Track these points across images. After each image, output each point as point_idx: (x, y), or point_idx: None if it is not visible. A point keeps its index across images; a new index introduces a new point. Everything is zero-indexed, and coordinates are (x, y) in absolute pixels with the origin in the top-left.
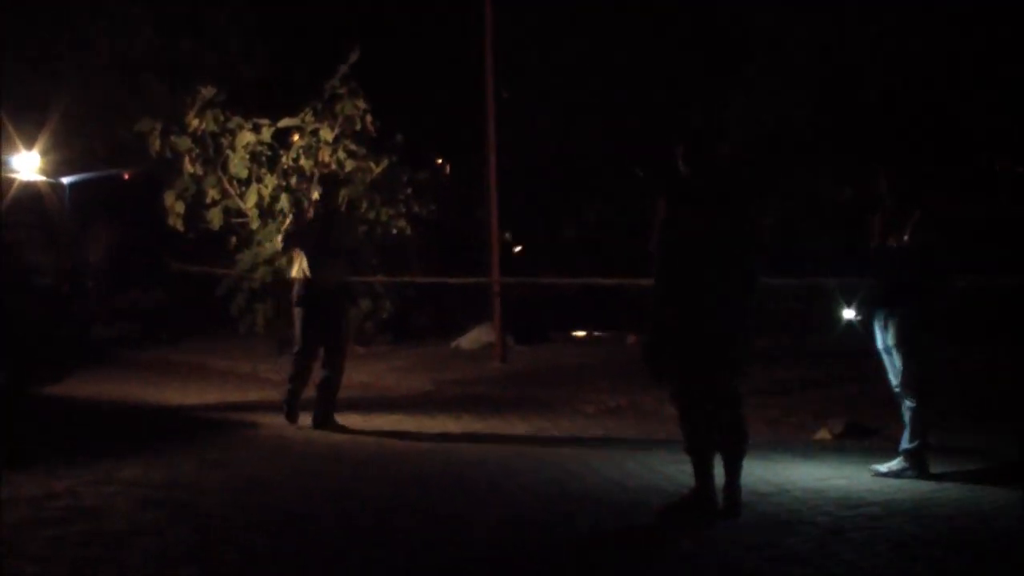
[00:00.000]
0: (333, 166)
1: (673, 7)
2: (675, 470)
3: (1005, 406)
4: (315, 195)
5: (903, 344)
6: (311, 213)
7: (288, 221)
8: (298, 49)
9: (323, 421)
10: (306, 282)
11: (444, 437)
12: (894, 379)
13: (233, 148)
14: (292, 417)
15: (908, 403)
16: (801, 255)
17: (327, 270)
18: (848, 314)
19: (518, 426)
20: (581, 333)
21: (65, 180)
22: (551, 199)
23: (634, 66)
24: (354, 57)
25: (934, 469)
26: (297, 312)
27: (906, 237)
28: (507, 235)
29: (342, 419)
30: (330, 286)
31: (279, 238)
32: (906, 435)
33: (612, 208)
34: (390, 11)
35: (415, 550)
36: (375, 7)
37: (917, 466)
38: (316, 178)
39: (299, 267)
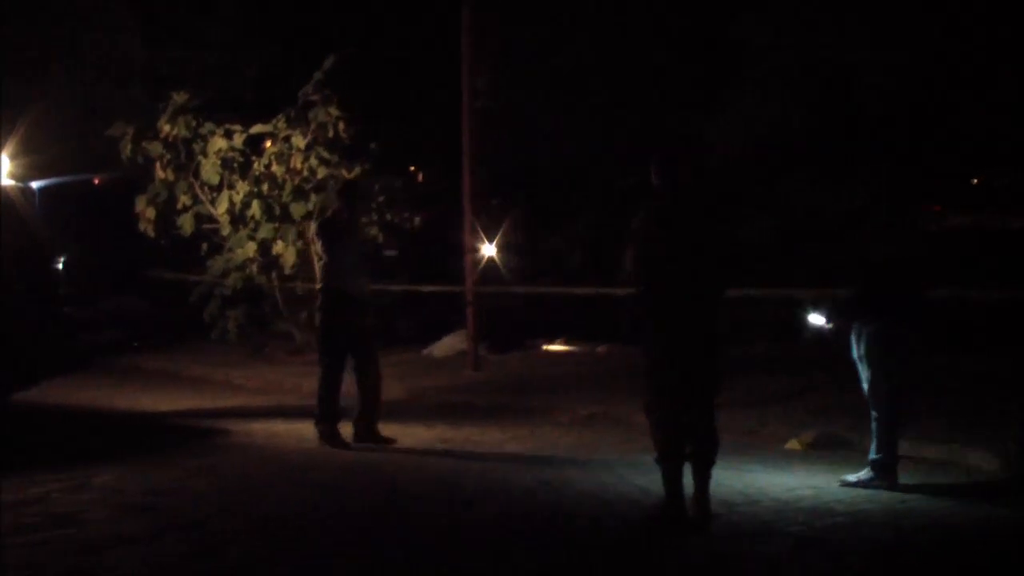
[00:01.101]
0: (305, 173)
1: (665, 15)
2: (647, 480)
3: (983, 417)
4: (335, 203)
5: (871, 355)
6: (344, 217)
7: (314, 229)
8: (281, 57)
9: (369, 434)
10: (341, 293)
11: (417, 446)
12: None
13: (205, 154)
14: (341, 442)
15: (874, 413)
16: (795, 264)
17: (360, 279)
18: (816, 320)
19: (492, 435)
20: (558, 344)
21: (35, 184)
22: (533, 207)
23: (621, 74)
24: (328, 64)
25: (904, 480)
26: (329, 324)
27: (883, 249)
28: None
29: (310, 428)
30: (362, 295)
31: (318, 247)
32: (873, 446)
33: (592, 218)
34: (370, 20)
35: (398, 558)
36: (356, 16)
37: (885, 476)
38: (338, 186)
39: (330, 277)
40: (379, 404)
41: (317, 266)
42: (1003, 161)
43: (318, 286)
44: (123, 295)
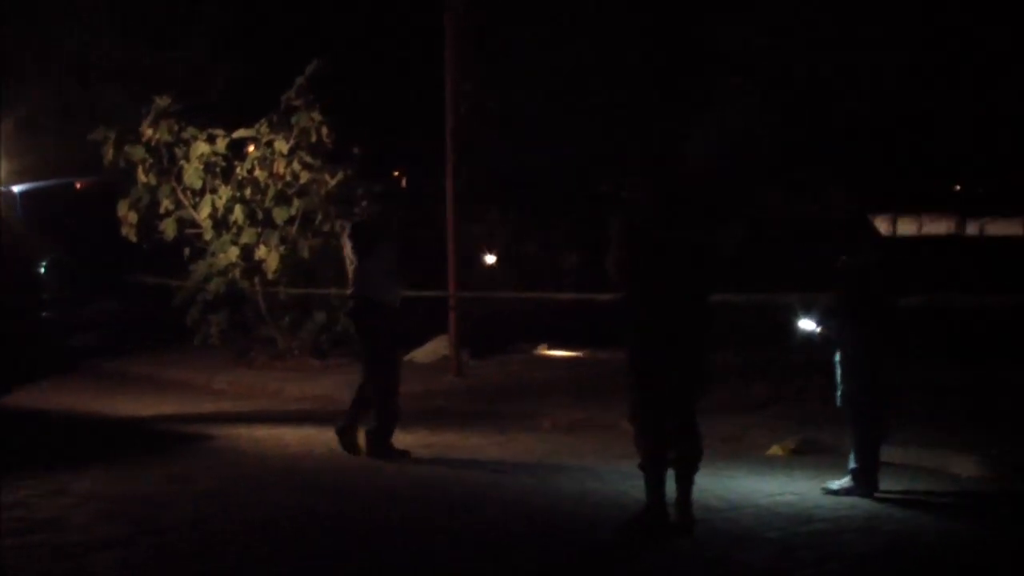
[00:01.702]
0: (288, 178)
1: (644, 24)
2: (630, 486)
3: (970, 423)
4: (367, 213)
5: (857, 360)
6: (377, 222)
7: (346, 232)
8: (263, 61)
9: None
10: (366, 300)
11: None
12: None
13: (187, 158)
14: (356, 448)
15: (851, 420)
16: (788, 268)
17: (390, 287)
18: (806, 325)
19: (474, 441)
20: (542, 350)
21: (16, 189)
22: (531, 207)
23: (621, 74)
24: (311, 69)
25: (888, 486)
26: (356, 331)
27: (846, 256)
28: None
29: (297, 433)
30: (389, 303)
31: (348, 250)
32: (852, 454)
33: (590, 219)
34: (354, 24)
35: (397, 560)
36: (339, 20)
37: (865, 483)
38: (376, 196)
39: (357, 283)
40: (375, 412)
41: (349, 270)
42: (985, 167)
43: (348, 291)
44: (106, 299)
